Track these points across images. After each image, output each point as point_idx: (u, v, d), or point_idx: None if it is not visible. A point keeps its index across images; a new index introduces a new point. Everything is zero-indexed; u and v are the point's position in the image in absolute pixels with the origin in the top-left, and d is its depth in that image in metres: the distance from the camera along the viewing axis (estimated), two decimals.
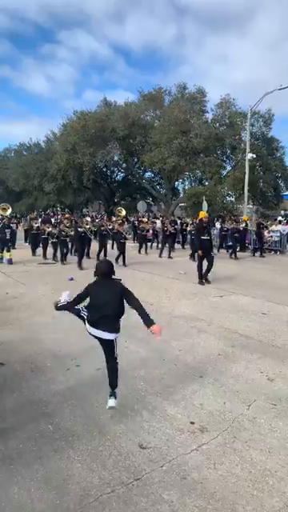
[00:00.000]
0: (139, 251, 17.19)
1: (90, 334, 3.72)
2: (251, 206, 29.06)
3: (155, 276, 11.41)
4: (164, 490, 2.68)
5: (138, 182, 33.12)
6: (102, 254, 14.09)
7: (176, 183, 31.37)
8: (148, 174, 33.48)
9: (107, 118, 28.10)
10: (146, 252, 17.19)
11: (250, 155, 22.24)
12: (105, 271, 3.84)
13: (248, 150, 22.41)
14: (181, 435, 3.35)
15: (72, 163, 28.02)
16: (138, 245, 18.11)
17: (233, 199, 26.86)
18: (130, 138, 28.26)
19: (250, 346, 5.67)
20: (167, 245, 16.65)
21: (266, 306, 7.93)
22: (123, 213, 14.63)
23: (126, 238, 14.10)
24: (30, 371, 4.68)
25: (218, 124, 26.50)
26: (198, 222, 12.23)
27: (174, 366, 4.85)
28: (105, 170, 33.94)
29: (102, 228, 14.48)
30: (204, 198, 21.53)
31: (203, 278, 10.41)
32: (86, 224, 13.96)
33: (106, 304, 3.62)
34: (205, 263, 10.49)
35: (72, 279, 10.51)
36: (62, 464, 2.98)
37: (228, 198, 26.47)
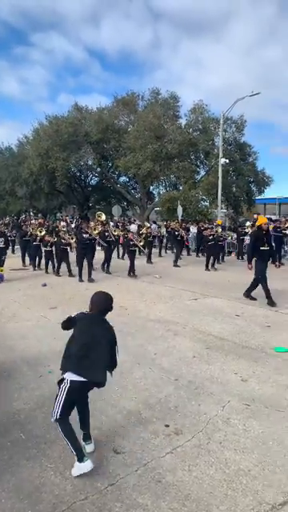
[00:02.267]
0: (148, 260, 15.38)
1: (69, 384, 2.90)
2: (225, 211, 29.53)
3: (130, 280, 11.41)
4: (139, 494, 2.66)
5: (112, 186, 33.11)
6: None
7: (151, 188, 31.54)
8: (123, 179, 33.55)
9: (80, 122, 28.03)
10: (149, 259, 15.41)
11: (223, 160, 22.61)
12: (106, 307, 3.18)
13: (221, 155, 22.79)
14: (156, 438, 3.34)
15: (45, 168, 27.72)
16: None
17: (207, 204, 27.21)
18: (104, 142, 28.27)
19: (224, 347, 5.73)
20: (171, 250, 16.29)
21: (240, 308, 8.04)
22: (103, 217, 13.94)
23: (136, 246, 12.76)
24: (1, 379, 4.57)
25: (191, 129, 26.86)
26: (255, 229, 9.81)
27: (148, 369, 4.84)
28: (79, 174, 33.72)
29: (107, 234, 12.86)
30: (179, 202, 21.73)
31: (248, 292, 8.77)
32: (94, 229, 12.14)
33: (98, 348, 3.00)
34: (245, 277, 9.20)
35: (45, 285, 10.39)
36: (34, 472, 2.92)
37: (202, 203, 26.79)
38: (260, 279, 8.49)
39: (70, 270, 12.10)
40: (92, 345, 2.98)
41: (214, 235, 13.79)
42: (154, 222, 22.57)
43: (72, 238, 12.61)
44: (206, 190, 25.12)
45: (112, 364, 3.16)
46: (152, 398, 4.08)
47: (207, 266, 13.52)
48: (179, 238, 15.22)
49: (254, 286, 8.72)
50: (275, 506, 2.59)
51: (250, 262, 8.73)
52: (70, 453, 2.91)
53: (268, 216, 24.26)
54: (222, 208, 25.01)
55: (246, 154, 27.88)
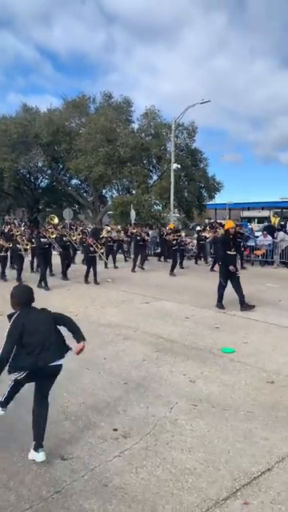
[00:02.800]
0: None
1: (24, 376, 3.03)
2: (177, 215, 30.09)
3: (83, 286, 11.33)
4: (85, 499, 2.65)
5: (63, 188, 32.71)
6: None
7: (103, 191, 31.51)
8: (74, 181, 33.25)
9: (30, 123, 27.47)
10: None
11: (174, 165, 23.09)
12: (29, 299, 3.25)
13: (173, 160, 23.26)
14: (103, 443, 3.35)
15: None
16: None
17: (160, 208, 27.60)
18: (55, 144, 27.92)
19: (173, 349, 5.84)
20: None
21: (190, 311, 8.23)
22: (56, 220, 13.39)
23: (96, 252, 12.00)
24: None
25: (143, 134, 27.22)
26: (224, 233, 9.74)
27: (98, 374, 4.84)
28: (28, 176, 32.97)
29: (64, 238, 12.56)
30: (132, 206, 21.89)
31: (242, 303, 8.35)
32: (52, 234, 11.65)
33: (45, 339, 3.08)
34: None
35: None
36: None
37: (155, 207, 27.14)
38: (221, 283, 8.52)
39: (19, 275, 11.64)
40: (42, 335, 3.08)
41: (177, 240, 13.72)
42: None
43: (27, 244, 12.14)
44: (159, 195, 25.53)
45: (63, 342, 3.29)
46: (101, 403, 4.08)
47: (172, 270, 13.27)
48: (141, 243, 14.87)
49: (241, 294, 8.41)
50: (218, 501, 2.68)
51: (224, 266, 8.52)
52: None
53: (219, 221, 25.05)
54: (174, 212, 25.46)
55: (197, 160, 28.66)
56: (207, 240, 16.21)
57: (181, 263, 14.99)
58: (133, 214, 20.75)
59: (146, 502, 2.66)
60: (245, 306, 8.25)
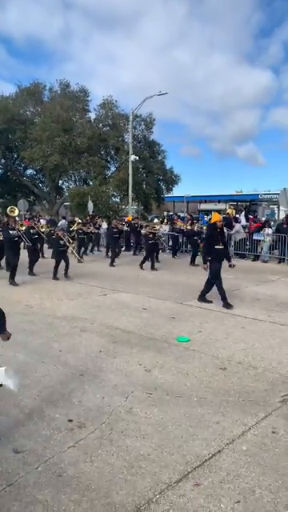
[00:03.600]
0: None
1: None
2: (135, 207, 30.15)
3: (41, 279, 11.13)
4: (38, 490, 2.65)
5: (18, 179, 31.77)
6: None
7: (60, 182, 30.94)
8: (30, 172, 32.41)
9: None
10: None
11: (132, 157, 23.06)
12: None
13: (131, 151, 23.21)
14: (58, 434, 3.35)
15: None
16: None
17: (118, 200, 27.53)
18: (9, 132, 27.01)
19: (130, 340, 5.90)
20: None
21: (148, 302, 8.33)
22: (16, 212, 12.68)
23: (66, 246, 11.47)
24: None
25: (101, 124, 26.95)
26: (210, 226, 9.28)
27: (53, 367, 4.80)
28: None
29: (32, 231, 11.87)
30: (89, 197, 21.67)
31: (203, 295, 8.32)
32: (21, 226, 11.04)
33: None
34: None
35: None
36: None
37: (113, 199, 27.04)
38: (215, 281, 8.11)
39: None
40: None
41: (154, 233, 13.35)
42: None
43: None
44: (117, 186, 25.45)
45: None
46: (56, 395, 4.07)
47: (153, 266, 12.93)
48: (116, 236, 14.70)
49: (208, 288, 8.27)
50: (171, 484, 2.77)
51: (205, 262, 8.16)
52: None
53: (178, 213, 25.38)
54: (132, 205, 25.50)
55: (155, 152, 28.79)
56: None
57: (157, 257, 14.55)
58: (90, 205, 20.56)
59: (100, 489, 2.70)
60: (226, 303, 7.93)
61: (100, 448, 3.18)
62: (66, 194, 29.40)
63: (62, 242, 11.22)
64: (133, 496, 2.64)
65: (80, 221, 16.21)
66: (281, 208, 27.38)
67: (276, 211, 30.83)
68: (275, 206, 30.89)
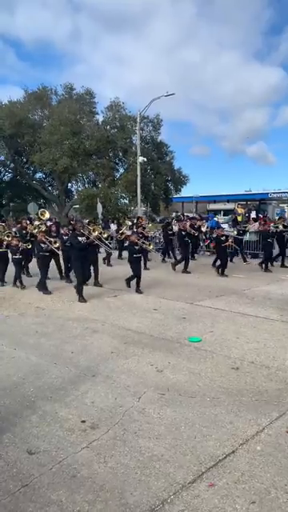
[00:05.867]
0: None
1: None
2: (144, 209, 30.17)
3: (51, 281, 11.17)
4: (53, 491, 2.66)
5: (28, 182, 32.00)
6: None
7: (69, 185, 31.09)
8: (39, 175, 32.63)
9: None
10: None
11: (141, 158, 23.07)
12: None
13: (139, 153, 23.23)
14: (71, 435, 3.36)
15: None
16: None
17: (126, 201, 27.58)
18: (18, 137, 27.23)
19: (141, 341, 5.90)
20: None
21: (158, 303, 8.31)
22: (47, 215, 11.83)
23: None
24: None
25: (108, 126, 27.01)
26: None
27: (66, 368, 4.82)
28: None
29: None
30: (98, 200, 21.74)
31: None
32: (94, 230, 9.66)
33: None
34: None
35: None
36: None
37: (122, 200, 27.10)
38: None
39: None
40: None
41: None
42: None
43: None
44: (125, 188, 25.48)
45: None
46: (68, 396, 4.08)
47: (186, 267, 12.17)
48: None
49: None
50: (185, 485, 2.76)
51: None
52: None
53: (186, 214, 25.31)
54: (141, 206, 25.53)
55: (162, 153, 28.77)
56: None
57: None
58: (99, 207, 20.63)
59: (114, 489, 2.70)
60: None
61: (113, 449, 3.18)
62: (76, 196, 29.55)
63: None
64: (147, 496, 2.63)
65: (130, 223, 15.14)
66: None
67: (286, 210, 30.56)
68: (285, 205, 30.65)
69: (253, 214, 19.07)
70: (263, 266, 12.45)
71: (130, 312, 7.55)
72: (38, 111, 28.62)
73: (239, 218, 18.02)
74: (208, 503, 2.58)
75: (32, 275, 11.32)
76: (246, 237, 15.43)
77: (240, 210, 18.91)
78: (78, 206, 27.94)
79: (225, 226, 18.12)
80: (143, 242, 10.22)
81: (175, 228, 15.14)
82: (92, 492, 2.67)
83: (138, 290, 9.32)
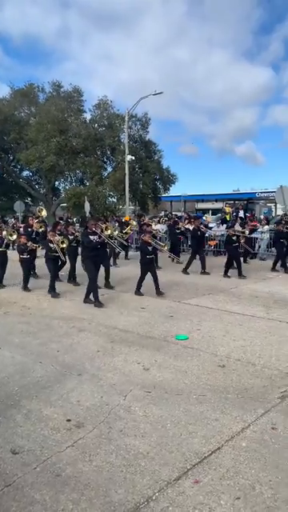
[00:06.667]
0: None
1: None
2: (132, 207, 30.14)
3: (38, 280, 11.09)
4: (37, 490, 2.63)
5: (14, 180, 31.66)
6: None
7: (56, 183, 30.87)
8: (26, 173, 32.32)
9: None
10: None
11: (129, 157, 23.04)
12: None
13: (127, 151, 23.18)
14: (56, 434, 3.33)
15: None
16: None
17: (114, 200, 27.50)
18: (4, 134, 26.93)
19: (128, 339, 5.88)
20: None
21: (146, 301, 8.30)
22: (44, 212, 11.89)
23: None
24: None
25: (96, 125, 26.88)
26: None
27: (51, 367, 4.78)
28: None
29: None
30: (86, 198, 21.62)
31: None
32: (107, 229, 9.09)
33: None
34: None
35: None
36: None
37: (110, 199, 27.01)
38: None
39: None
40: None
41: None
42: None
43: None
44: (113, 186, 25.41)
45: None
46: (54, 395, 4.04)
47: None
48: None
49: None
50: (170, 482, 2.75)
51: None
52: None
53: (175, 213, 25.35)
54: (129, 205, 25.49)
55: (151, 152, 28.75)
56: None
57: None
58: (87, 206, 20.50)
59: (99, 488, 2.68)
60: None
61: (99, 447, 3.16)
62: (63, 194, 29.35)
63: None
64: (132, 494, 2.62)
65: (135, 223, 14.87)
66: (278, 206, 27.39)
67: (273, 209, 30.86)
68: (272, 204, 30.93)
69: (240, 214, 19.15)
70: (275, 266, 12.16)
71: (117, 311, 7.53)
72: (24, 108, 28.34)
73: (227, 217, 18.12)
74: (193, 500, 2.58)
75: (39, 276, 10.91)
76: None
77: (228, 209, 19.00)
78: (65, 204, 27.76)
79: (212, 225, 18.19)
80: (156, 242, 9.74)
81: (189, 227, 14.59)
82: (76, 491, 2.65)
83: (159, 292, 8.79)
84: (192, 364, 4.93)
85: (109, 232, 9.09)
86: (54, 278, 9.12)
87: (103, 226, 9.10)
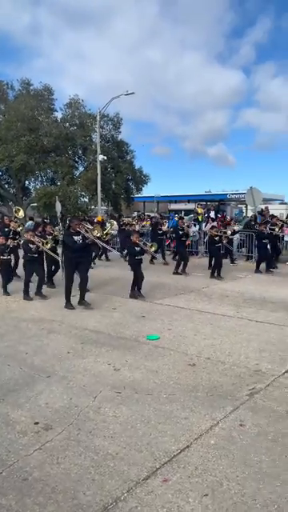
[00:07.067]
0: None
1: None
2: (105, 208, 29.99)
3: None
4: (2, 496, 2.57)
5: None
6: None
7: (26, 182, 30.27)
8: None
9: None
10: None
11: (101, 157, 22.91)
12: None
13: (99, 151, 23.05)
14: (23, 437, 3.26)
15: None
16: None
17: (86, 200, 27.28)
18: None
19: (99, 340, 5.84)
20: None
21: (118, 302, 8.27)
22: (21, 213, 11.43)
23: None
24: None
25: (67, 124, 26.59)
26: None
27: (19, 369, 4.69)
28: None
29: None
30: (57, 198, 21.35)
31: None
32: (94, 230, 8.91)
33: None
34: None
35: None
36: None
37: (81, 199, 26.77)
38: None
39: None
40: None
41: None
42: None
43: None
44: (85, 186, 25.21)
45: None
46: (21, 398, 3.97)
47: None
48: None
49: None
50: (139, 482, 2.75)
51: None
52: None
53: (147, 213, 25.40)
54: (101, 205, 25.33)
55: (123, 152, 28.70)
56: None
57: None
58: (58, 206, 20.22)
59: (67, 490, 2.65)
60: None
61: (67, 449, 3.12)
62: (33, 194, 28.84)
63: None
64: (100, 496, 2.60)
65: (115, 222, 14.96)
66: (248, 207, 27.96)
67: (244, 210, 31.43)
68: (243, 206, 31.49)
69: (211, 214, 19.43)
70: (259, 266, 12.31)
71: (88, 312, 7.46)
72: None
73: (199, 218, 18.34)
74: (161, 499, 2.58)
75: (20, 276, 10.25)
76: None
77: (200, 210, 19.22)
78: (35, 204, 27.30)
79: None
80: (145, 243, 9.44)
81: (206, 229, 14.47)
82: (43, 494, 2.60)
83: (140, 294, 8.67)
84: (163, 363, 4.95)
85: (96, 233, 8.79)
86: (28, 281, 8.75)
87: (91, 226, 8.95)
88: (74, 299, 7.88)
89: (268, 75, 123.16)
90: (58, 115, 27.03)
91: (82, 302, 7.81)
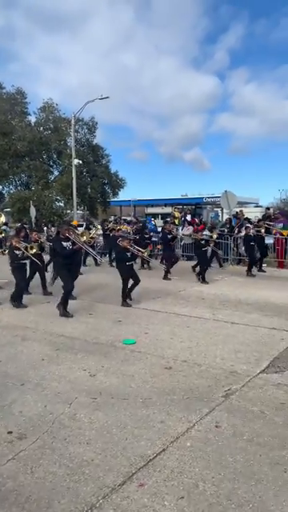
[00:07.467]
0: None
1: None
2: (81, 212, 29.82)
3: None
4: None
5: None
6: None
7: (0, 187, 29.83)
8: None
9: None
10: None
11: (76, 161, 22.79)
12: None
13: (74, 155, 22.93)
14: None
15: None
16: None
17: (62, 204, 27.09)
18: None
19: (75, 346, 5.78)
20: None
21: (94, 307, 8.21)
22: (3, 218, 11.32)
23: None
24: None
25: (42, 128, 26.38)
26: None
27: None
28: None
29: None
30: (31, 203, 21.10)
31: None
32: (82, 234, 8.76)
33: None
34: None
35: None
36: None
37: (57, 203, 26.56)
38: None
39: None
40: None
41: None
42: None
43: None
44: (60, 191, 25.03)
45: None
46: None
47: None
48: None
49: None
50: (115, 488, 2.73)
51: None
52: None
53: (124, 217, 25.40)
54: (77, 209, 25.18)
55: (99, 156, 28.67)
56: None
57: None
58: (32, 210, 20.00)
59: (41, 500, 2.60)
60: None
61: (41, 458, 3.07)
62: (7, 199, 28.42)
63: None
64: (75, 503, 2.56)
65: (100, 226, 14.80)
66: (224, 210, 28.35)
67: (220, 213, 31.86)
68: (219, 209, 31.92)
69: (188, 218, 19.60)
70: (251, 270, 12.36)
71: (63, 318, 7.37)
72: None
73: (176, 222, 18.46)
74: (137, 503, 2.57)
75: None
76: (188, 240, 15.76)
77: (177, 214, 19.36)
78: (9, 209, 26.90)
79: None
80: (137, 249, 9.12)
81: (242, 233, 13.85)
82: (17, 505, 2.54)
83: (129, 298, 8.56)
84: (139, 368, 4.94)
85: (84, 238, 8.65)
86: (22, 287, 8.56)
87: (78, 232, 8.77)
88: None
89: (242, 80, 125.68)
90: (32, 119, 26.82)
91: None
